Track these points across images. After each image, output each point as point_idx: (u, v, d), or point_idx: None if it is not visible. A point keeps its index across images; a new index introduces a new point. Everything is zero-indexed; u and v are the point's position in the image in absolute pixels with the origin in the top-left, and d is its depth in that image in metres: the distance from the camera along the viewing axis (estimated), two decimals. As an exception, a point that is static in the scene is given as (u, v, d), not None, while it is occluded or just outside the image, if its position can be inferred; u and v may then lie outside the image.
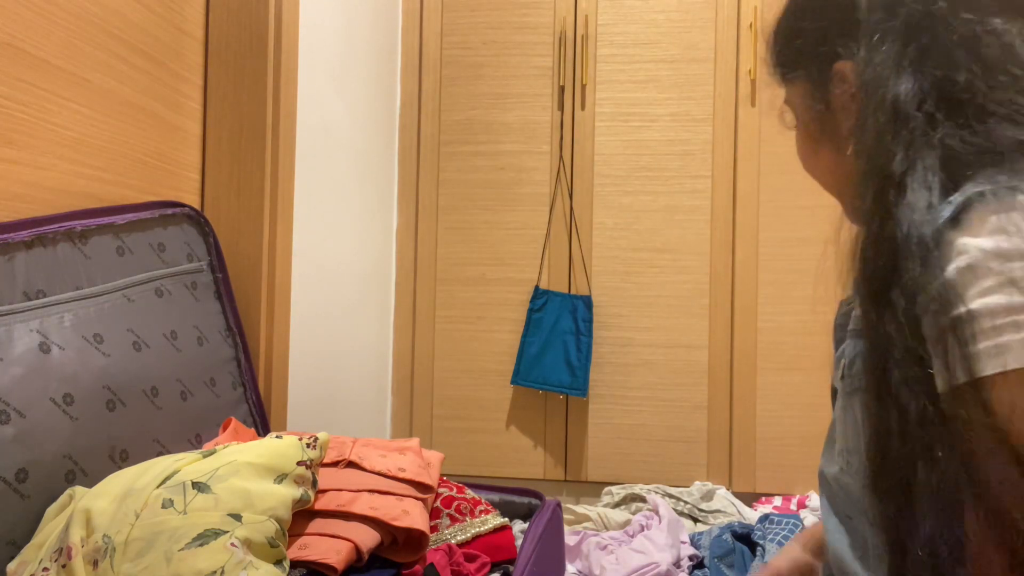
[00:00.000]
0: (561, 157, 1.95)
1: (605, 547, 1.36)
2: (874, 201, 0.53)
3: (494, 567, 0.99)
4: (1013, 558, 0.44)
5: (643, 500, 1.65)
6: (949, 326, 0.46)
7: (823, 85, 0.63)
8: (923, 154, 0.51)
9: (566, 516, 1.56)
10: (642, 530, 1.41)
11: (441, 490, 1.04)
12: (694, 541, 1.40)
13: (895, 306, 0.49)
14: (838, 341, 0.65)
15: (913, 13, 0.54)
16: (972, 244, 0.46)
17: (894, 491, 0.49)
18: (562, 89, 1.95)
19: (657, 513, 1.44)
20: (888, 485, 0.49)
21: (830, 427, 0.66)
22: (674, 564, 1.29)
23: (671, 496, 1.65)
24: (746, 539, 1.42)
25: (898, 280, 0.49)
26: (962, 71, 0.52)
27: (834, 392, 0.64)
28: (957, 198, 0.48)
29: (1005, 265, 0.45)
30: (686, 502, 1.61)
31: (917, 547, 0.46)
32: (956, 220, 0.47)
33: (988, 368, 0.45)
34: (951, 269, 0.46)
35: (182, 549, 0.65)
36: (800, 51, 0.65)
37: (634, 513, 1.61)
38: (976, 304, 0.45)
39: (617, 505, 1.68)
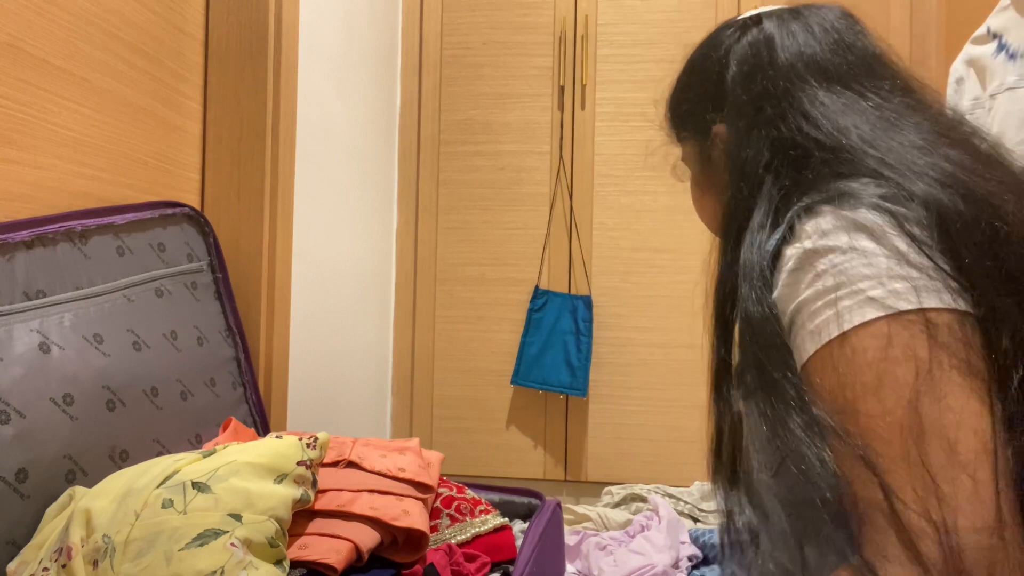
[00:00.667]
0: (561, 157, 1.95)
1: (605, 547, 1.36)
2: (726, 233, 0.67)
3: (494, 567, 0.99)
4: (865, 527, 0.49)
5: (643, 500, 1.65)
6: (788, 322, 0.56)
7: (705, 145, 0.75)
8: (764, 201, 0.63)
9: (566, 516, 1.56)
10: (642, 530, 1.41)
11: (441, 490, 1.04)
12: (698, 538, 1.39)
13: (730, 327, 0.63)
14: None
15: (761, 90, 0.67)
16: (794, 251, 0.56)
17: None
18: (562, 89, 1.95)
19: (657, 514, 1.44)
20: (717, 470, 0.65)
21: None
22: (672, 565, 1.28)
23: (671, 496, 1.65)
24: None
25: (734, 304, 0.62)
26: (795, 132, 0.64)
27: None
28: (788, 218, 0.58)
29: (816, 261, 0.54)
30: (686, 502, 1.61)
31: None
32: (784, 239, 0.58)
33: (811, 349, 0.53)
34: (782, 275, 0.56)
35: (182, 549, 0.65)
36: (687, 116, 0.78)
37: (634, 513, 1.60)
38: (800, 298, 0.54)
39: (617, 505, 1.68)
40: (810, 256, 0.54)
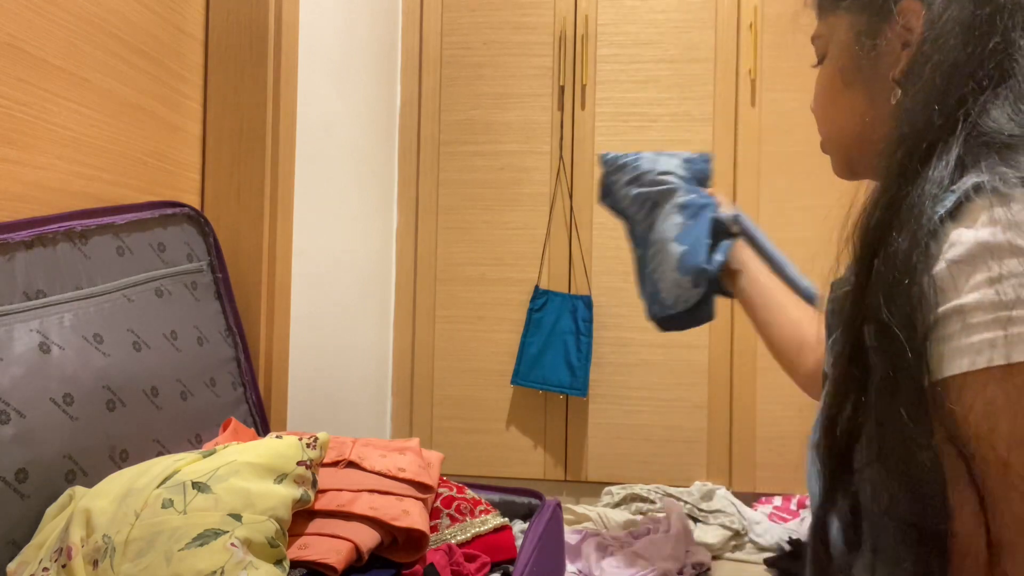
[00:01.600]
0: (561, 157, 1.95)
1: (606, 548, 1.36)
2: (900, 163, 0.50)
3: (494, 567, 0.99)
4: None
5: (644, 500, 1.65)
6: (935, 318, 0.45)
7: (880, 22, 0.57)
8: (958, 144, 0.48)
9: (566, 516, 1.56)
10: (648, 533, 1.41)
11: (441, 490, 1.04)
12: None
13: (881, 274, 0.47)
14: (830, 328, 0.62)
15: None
16: (965, 236, 0.44)
17: (831, 457, 0.49)
18: (562, 89, 1.95)
19: (669, 520, 1.43)
20: (828, 447, 0.50)
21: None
22: (677, 572, 1.28)
23: (670, 496, 1.65)
24: None
25: (889, 252, 0.47)
26: (1020, 49, 0.48)
27: (824, 378, 0.60)
28: (962, 185, 0.46)
29: (993, 261, 0.43)
30: (686, 502, 1.61)
31: (827, 516, 0.48)
32: (954, 212, 0.45)
33: (961, 366, 0.44)
34: (942, 261, 0.45)
35: (182, 549, 0.65)
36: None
37: (634, 513, 1.60)
38: (960, 301, 0.44)
39: (617, 505, 1.68)
40: (987, 251, 0.43)
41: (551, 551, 1.09)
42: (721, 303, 1.26)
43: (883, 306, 0.46)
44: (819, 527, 0.50)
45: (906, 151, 0.50)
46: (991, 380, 0.42)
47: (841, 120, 0.63)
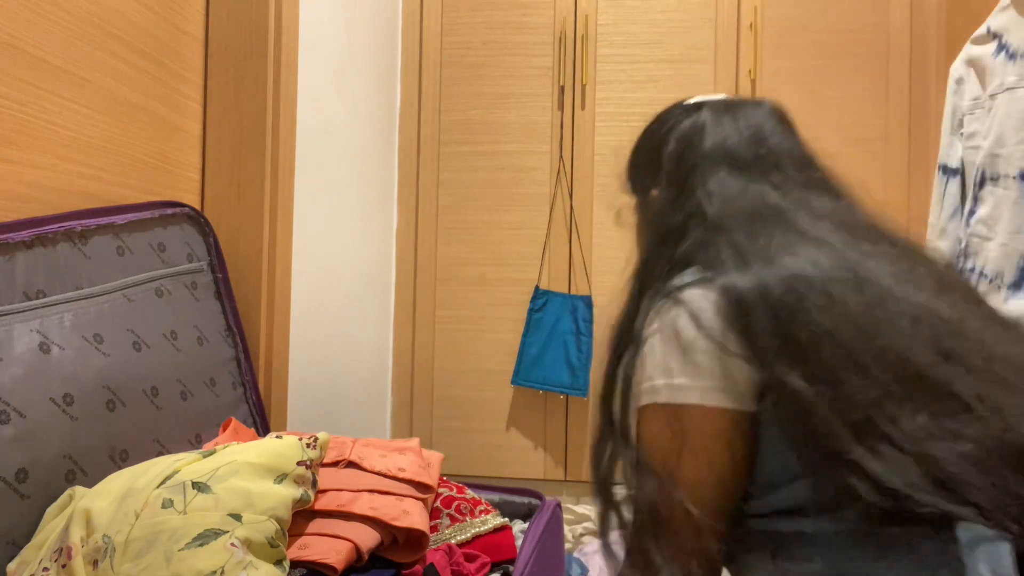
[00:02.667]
0: (561, 157, 1.95)
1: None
2: (632, 290, 0.79)
3: (494, 567, 0.99)
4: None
5: None
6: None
7: (644, 202, 0.87)
8: (662, 265, 0.75)
9: (566, 516, 1.56)
10: None
11: (441, 490, 1.04)
12: None
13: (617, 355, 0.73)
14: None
15: (687, 168, 0.79)
16: (645, 334, 0.69)
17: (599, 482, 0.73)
18: (562, 89, 1.95)
19: None
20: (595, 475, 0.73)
21: None
22: None
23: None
24: None
25: (617, 343, 0.75)
26: (698, 207, 0.75)
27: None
28: (646, 303, 0.71)
29: (644, 346, 0.68)
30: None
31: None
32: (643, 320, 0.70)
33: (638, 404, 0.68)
34: (639, 351, 0.69)
35: (182, 549, 0.65)
36: (635, 175, 0.90)
37: None
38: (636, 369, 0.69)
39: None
40: (644, 340, 0.69)
41: (551, 551, 1.09)
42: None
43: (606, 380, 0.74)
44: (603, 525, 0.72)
45: (638, 274, 0.79)
46: (642, 415, 0.68)
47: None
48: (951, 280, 0.68)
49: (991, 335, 0.61)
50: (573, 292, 1.93)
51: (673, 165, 0.80)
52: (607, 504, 0.71)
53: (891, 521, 0.54)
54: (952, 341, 0.59)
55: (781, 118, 0.84)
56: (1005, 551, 0.49)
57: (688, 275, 0.68)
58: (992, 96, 1.30)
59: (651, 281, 0.74)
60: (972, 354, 0.58)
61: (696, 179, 0.77)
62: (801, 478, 0.60)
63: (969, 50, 1.40)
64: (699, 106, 0.84)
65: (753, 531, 0.65)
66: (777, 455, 0.61)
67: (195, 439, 1.00)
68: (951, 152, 1.43)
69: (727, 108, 0.82)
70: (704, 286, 0.65)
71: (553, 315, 1.91)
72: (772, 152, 0.78)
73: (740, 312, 0.62)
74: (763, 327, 0.61)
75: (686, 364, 0.64)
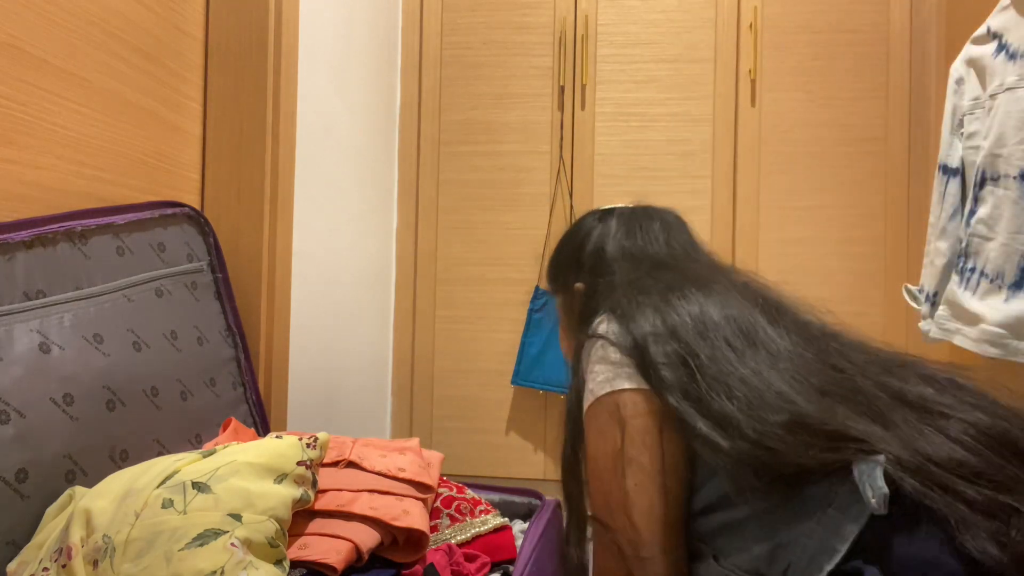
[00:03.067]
0: (561, 157, 1.95)
1: None
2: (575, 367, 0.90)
3: (494, 567, 0.99)
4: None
5: None
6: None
7: (568, 298, 1.03)
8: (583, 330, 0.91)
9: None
10: None
11: (441, 490, 1.04)
12: None
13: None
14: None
15: (600, 265, 0.99)
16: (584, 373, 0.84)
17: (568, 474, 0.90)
18: (562, 89, 1.95)
19: None
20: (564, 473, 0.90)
21: None
22: None
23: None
24: None
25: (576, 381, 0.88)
26: (609, 294, 0.91)
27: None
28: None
29: (588, 377, 0.83)
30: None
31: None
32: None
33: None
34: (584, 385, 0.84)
35: (182, 549, 0.65)
36: (558, 275, 1.07)
37: None
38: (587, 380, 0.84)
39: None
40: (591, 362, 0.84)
41: (551, 551, 1.09)
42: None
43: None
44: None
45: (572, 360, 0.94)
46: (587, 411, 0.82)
47: (568, 355, 1.03)
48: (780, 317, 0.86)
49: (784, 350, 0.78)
50: (573, 292, 1.93)
51: (591, 263, 1.00)
52: (572, 513, 0.85)
53: (805, 482, 0.66)
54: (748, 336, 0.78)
55: (674, 225, 1.03)
56: (878, 471, 0.61)
57: (601, 318, 0.86)
58: (992, 96, 1.29)
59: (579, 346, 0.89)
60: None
61: (606, 274, 0.96)
62: (715, 473, 0.72)
63: (969, 50, 1.40)
64: (610, 213, 1.04)
65: (693, 541, 0.75)
66: (697, 462, 0.75)
67: (195, 439, 1.00)
68: (951, 152, 1.43)
69: (633, 216, 1.02)
70: (610, 321, 0.84)
71: (553, 315, 1.90)
72: (661, 254, 0.98)
73: (635, 344, 0.79)
74: (651, 359, 0.77)
75: (614, 367, 0.79)
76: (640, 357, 0.78)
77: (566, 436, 0.87)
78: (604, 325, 0.85)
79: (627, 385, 0.77)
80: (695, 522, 0.75)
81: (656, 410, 0.75)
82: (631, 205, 1.06)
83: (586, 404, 0.81)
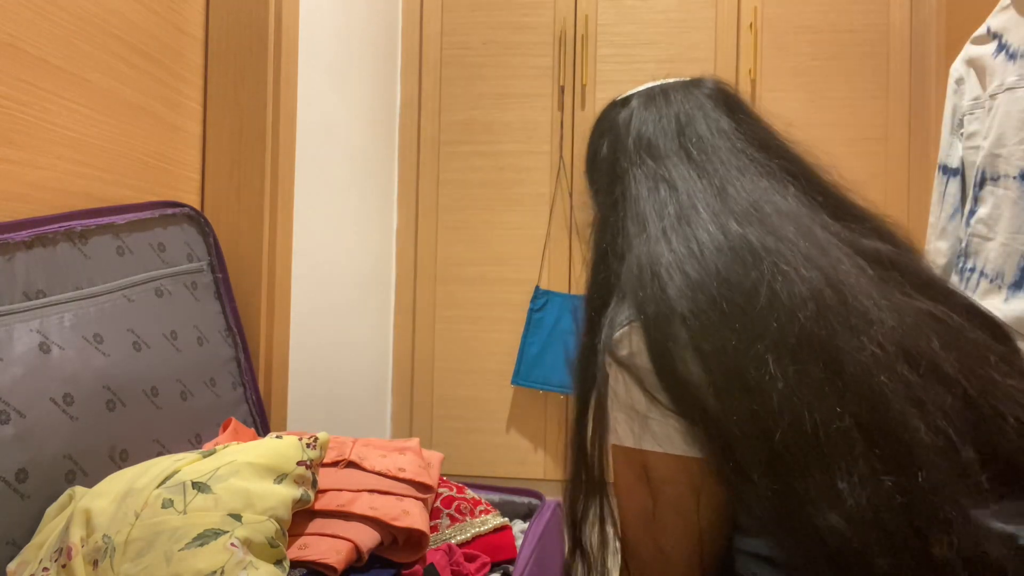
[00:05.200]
0: (561, 157, 1.94)
1: None
2: (588, 312, 0.72)
3: (494, 567, 0.99)
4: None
5: None
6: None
7: (593, 212, 0.81)
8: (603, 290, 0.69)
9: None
10: None
11: (441, 490, 1.04)
12: None
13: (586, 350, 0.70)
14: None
15: (613, 169, 0.74)
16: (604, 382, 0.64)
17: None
18: (562, 89, 1.95)
19: None
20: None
21: None
22: None
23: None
24: None
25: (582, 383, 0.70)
26: (620, 219, 0.70)
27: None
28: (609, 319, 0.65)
29: (608, 389, 0.64)
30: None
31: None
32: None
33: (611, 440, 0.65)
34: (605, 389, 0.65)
35: (182, 549, 0.65)
36: (589, 186, 0.83)
37: None
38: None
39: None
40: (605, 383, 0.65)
41: (551, 551, 1.09)
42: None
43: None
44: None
45: (588, 298, 0.74)
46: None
47: None
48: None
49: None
50: (573, 292, 1.93)
51: (606, 167, 0.76)
52: (575, 547, 0.70)
53: None
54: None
55: (721, 99, 0.75)
56: None
57: (620, 314, 0.64)
58: (992, 96, 1.29)
59: (596, 309, 0.69)
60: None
61: (622, 183, 0.72)
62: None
63: (969, 50, 1.40)
64: (628, 100, 0.78)
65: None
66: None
67: (195, 439, 1.00)
68: (951, 152, 1.43)
69: (652, 98, 0.76)
70: (634, 331, 0.61)
71: (553, 315, 1.91)
72: (698, 137, 0.71)
73: (665, 365, 0.59)
74: (683, 378, 0.58)
75: (640, 419, 0.61)
76: (689, 412, 0.57)
77: (572, 431, 0.71)
78: (626, 340, 0.62)
79: (657, 449, 0.60)
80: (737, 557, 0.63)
81: (695, 474, 0.59)
82: (659, 83, 0.78)
83: (610, 440, 0.65)
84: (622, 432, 0.62)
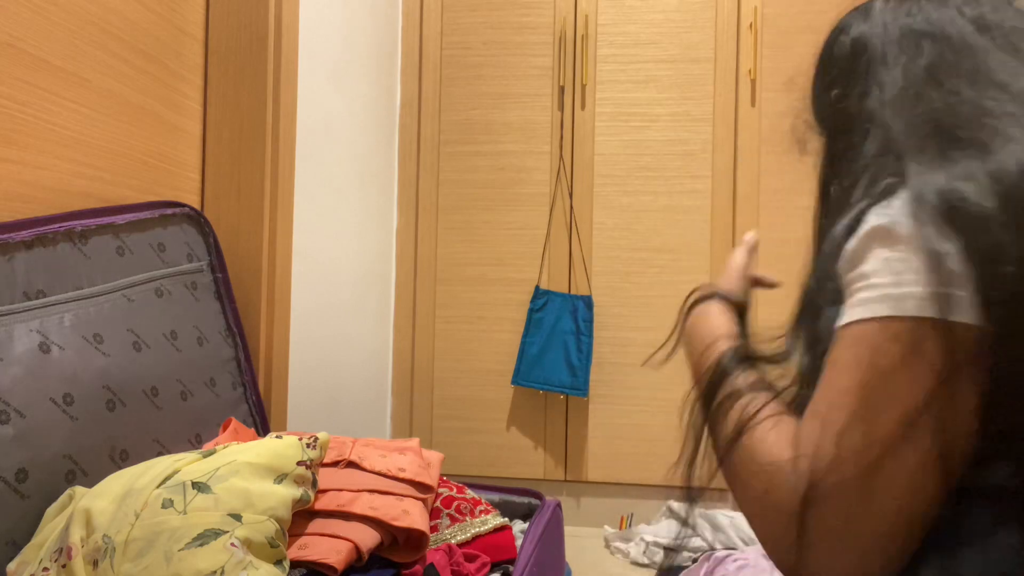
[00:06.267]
0: (561, 157, 1.94)
1: (740, 566, 1.31)
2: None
3: (494, 567, 0.99)
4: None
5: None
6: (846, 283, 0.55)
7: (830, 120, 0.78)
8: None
9: (610, 530, 1.56)
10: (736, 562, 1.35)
11: (441, 490, 1.04)
12: None
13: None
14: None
15: (862, 60, 0.71)
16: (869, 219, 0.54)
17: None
18: (562, 89, 1.95)
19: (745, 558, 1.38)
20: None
21: None
22: None
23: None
24: None
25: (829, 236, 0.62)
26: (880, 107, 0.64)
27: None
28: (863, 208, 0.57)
29: (873, 244, 0.53)
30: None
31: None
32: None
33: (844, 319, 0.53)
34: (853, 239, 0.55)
35: (182, 549, 0.65)
36: (818, 98, 0.81)
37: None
38: (858, 269, 0.54)
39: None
40: (870, 237, 0.53)
41: (551, 551, 1.09)
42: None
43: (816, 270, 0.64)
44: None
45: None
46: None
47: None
48: None
49: None
50: (573, 292, 1.93)
51: (849, 63, 0.72)
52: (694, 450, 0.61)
53: None
54: None
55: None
56: None
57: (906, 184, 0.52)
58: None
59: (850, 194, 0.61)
60: None
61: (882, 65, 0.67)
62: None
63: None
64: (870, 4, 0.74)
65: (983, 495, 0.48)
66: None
67: (195, 439, 1.00)
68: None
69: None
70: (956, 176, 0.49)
71: (553, 315, 1.91)
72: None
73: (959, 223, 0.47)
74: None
75: (942, 282, 0.47)
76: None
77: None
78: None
79: (968, 320, 0.46)
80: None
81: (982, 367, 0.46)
82: None
83: (855, 315, 0.51)
84: (899, 296, 0.48)
